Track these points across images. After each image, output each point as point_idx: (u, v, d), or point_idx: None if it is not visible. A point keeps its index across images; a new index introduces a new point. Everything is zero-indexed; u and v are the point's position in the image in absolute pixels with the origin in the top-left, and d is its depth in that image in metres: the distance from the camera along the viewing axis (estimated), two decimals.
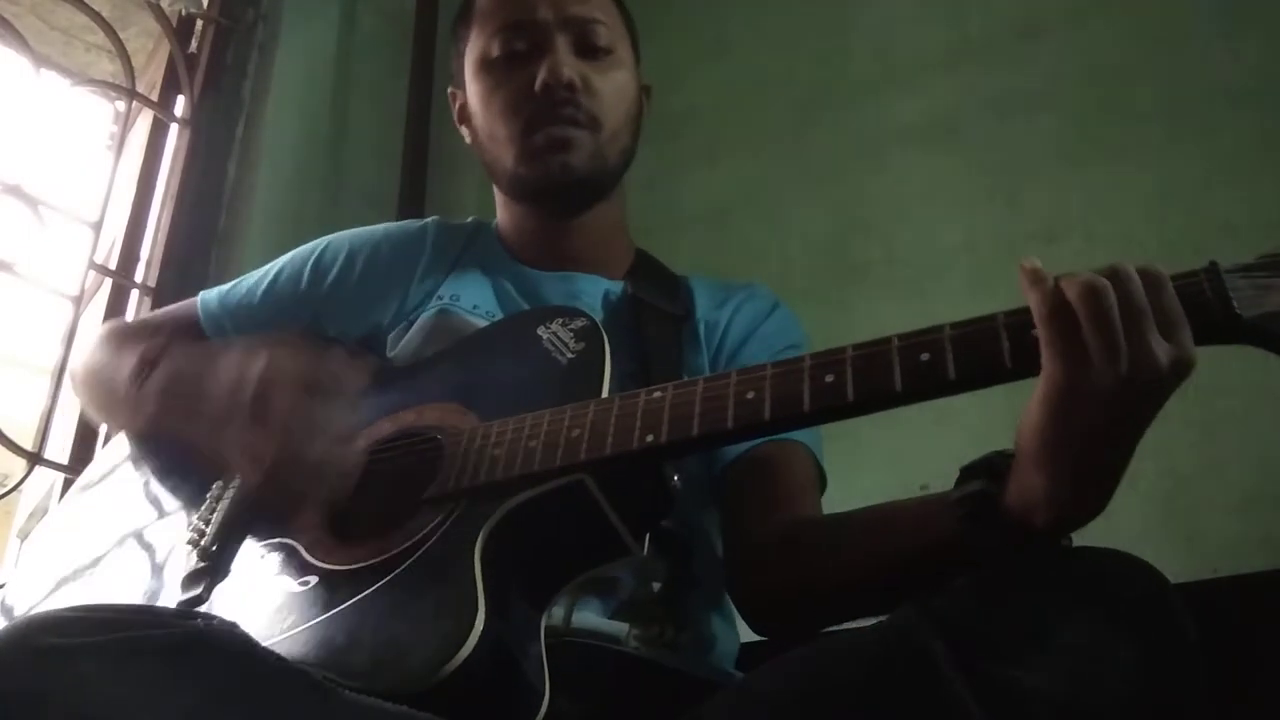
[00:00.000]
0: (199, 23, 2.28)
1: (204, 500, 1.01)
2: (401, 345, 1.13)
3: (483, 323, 1.12)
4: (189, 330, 1.20)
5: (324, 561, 0.88)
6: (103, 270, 2.02)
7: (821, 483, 1.11)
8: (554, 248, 1.21)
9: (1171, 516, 1.38)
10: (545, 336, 0.97)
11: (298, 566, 0.89)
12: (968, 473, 0.82)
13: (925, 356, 0.75)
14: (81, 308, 2.00)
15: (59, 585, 1.06)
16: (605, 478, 0.83)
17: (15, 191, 1.96)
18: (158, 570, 0.99)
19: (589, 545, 0.86)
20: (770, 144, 2.00)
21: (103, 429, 1.71)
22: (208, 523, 0.98)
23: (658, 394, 0.84)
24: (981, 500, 0.79)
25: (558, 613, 0.91)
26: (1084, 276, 0.70)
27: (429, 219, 1.28)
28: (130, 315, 1.95)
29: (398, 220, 1.30)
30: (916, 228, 1.76)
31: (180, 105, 2.20)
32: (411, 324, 1.15)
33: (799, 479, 1.07)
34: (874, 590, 0.90)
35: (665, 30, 2.24)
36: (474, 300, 1.16)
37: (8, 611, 1.06)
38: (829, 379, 0.77)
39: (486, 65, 1.18)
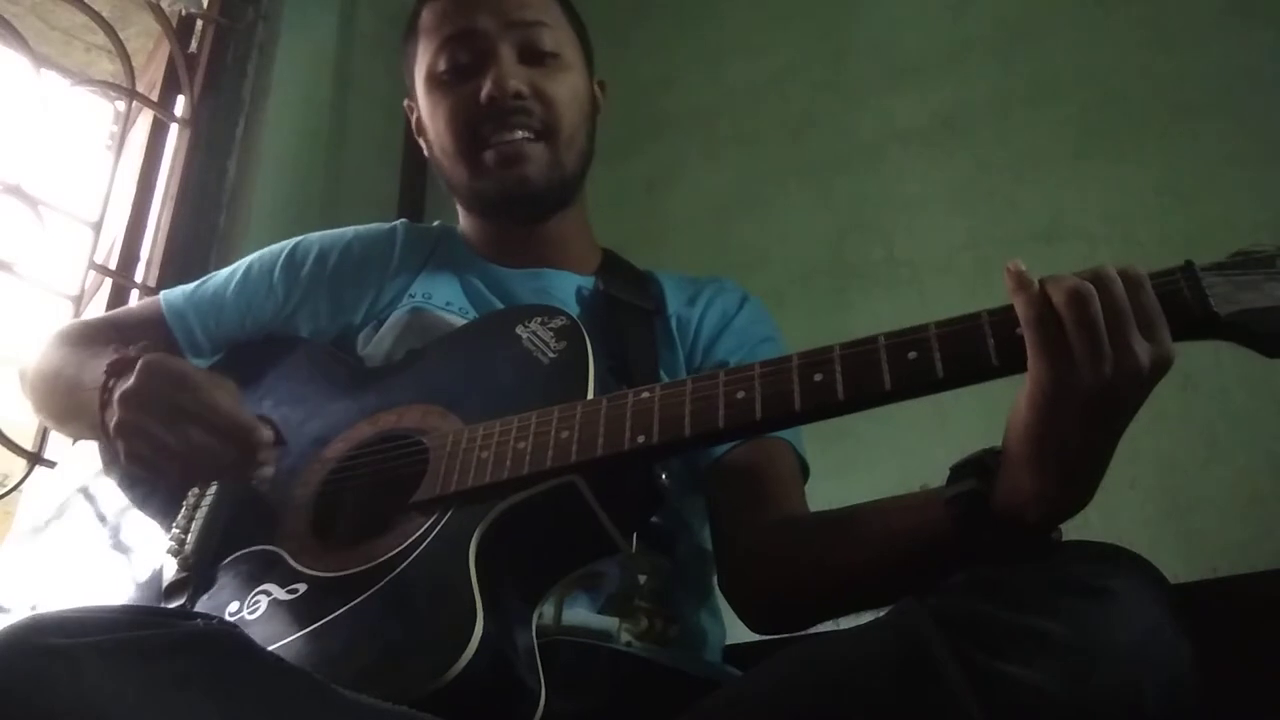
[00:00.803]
0: (199, 23, 2.28)
1: (180, 508, 1.00)
2: (373, 344, 1.12)
3: (456, 320, 1.12)
4: (152, 329, 1.18)
5: (311, 568, 0.87)
6: (103, 270, 2.02)
7: (805, 474, 1.11)
8: (520, 248, 1.20)
9: (1171, 516, 1.37)
10: (525, 336, 0.96)
11: (284, 574, 0.88)
12: (958, 471, 0.83)
13: (912, 355, 0.76)
14: (81, 308, 2.00)
15: (38, 591, 1.05)
16: (596, 478, 0.83)
17: (15, 191, 1.96)
18: (137, 579, 0.98)
19: (580, 545, 0.86)
20: (770, 144, 2.00)
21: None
22: (186, 530, 0.96)
23: (646, 394, 0.83)
24: (972, 499, 0.80)
25: (547, 610, 0.91)
26: (1068, 281, 0.71)
27: (397, 221, 1.27)
28: None
29: (396, 220, 1.29)
30: (916, 227, 1.76)
31: (180, 105, 2.20)
32: (382, 323, 1.14)
33: (785, 476, 1.07)
34: (868, 586, 0.90)
35: (665, 30, 2.24)
36: (446, 298, 1.15)
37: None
38: (818, 378, 0.78)
39: (433, 79, 1.18)
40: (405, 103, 1.28)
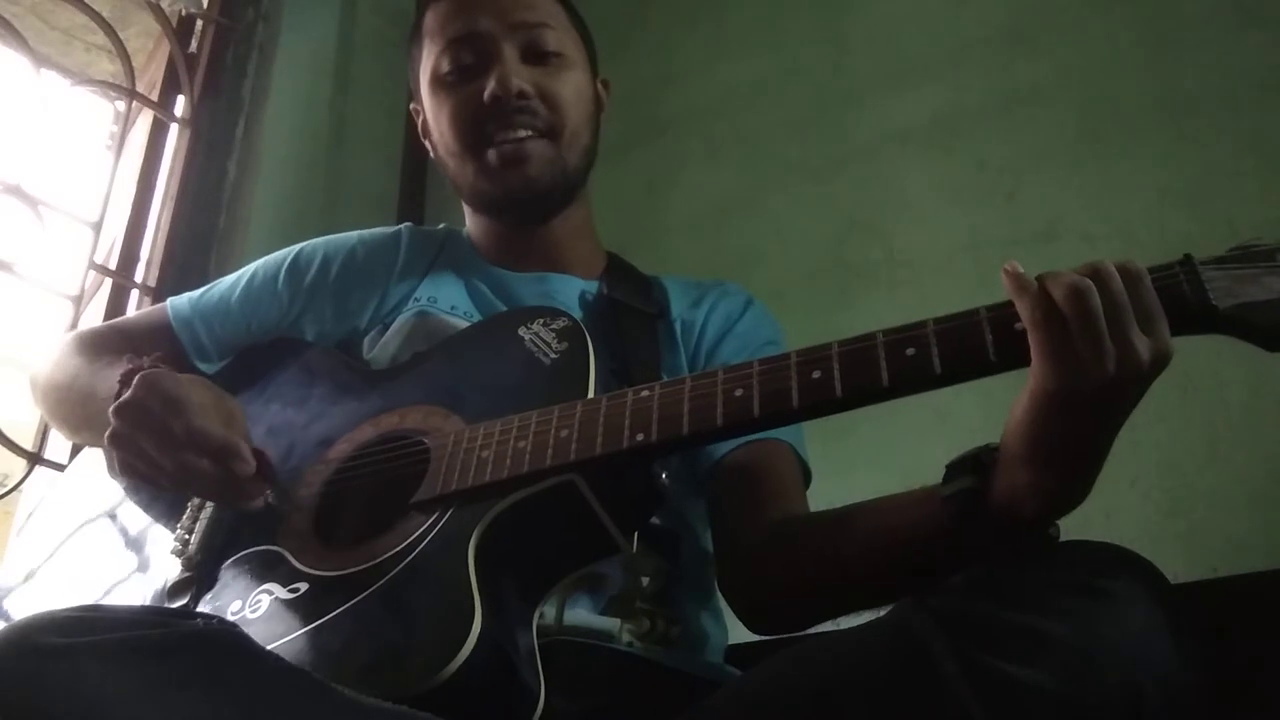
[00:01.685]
0: (199, 23, 2.28)
1: (184, 509, 1.01)
2: (379, 348, 1.13)
3: (461, 323, 1.12)
4: (161, 337, 1.18)
5: (313, 568, 0.87)
6: (103, 270, 2.02)
7: (806, 477, 1.11)
8: (526, 251, 1.21)
9: (1171, 516, 1.37)
10: (527, 337, 0.96)
11: (286, 573, 0.88)
12: (954, 468, 0.83)
13: (910, 351, 0.75)
14: (81, 308, 2.00)
15: (41, 591, 1.05)
16: (595, 477, 0.83)
17: (15, 191, 1.96)
18: (142, 579, 0.99)
19: (580, 544, 0.86)
20: (770, 144, 2.00)
21: None
22: (190, 531, 0.97)
23: (645, 393, 0.84)
24: (969, 497, 0.80)
25: (549, 611, 0.91)
26: (1067, 278, 0.71)
27: (402, 225, 1.28)
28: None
29: (396, 221, 1.30)
30: (916, 228, 1.76)
31: (180, 105, 2.21)
32: (388, 327, 1.15)
33: (785, 477, 1.07)
34: (868, 585, 0.90)
35: (665, 30, 2.24)
36: (451, 301, 1.16)
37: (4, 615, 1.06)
38: (816, 375, 0.78)
39: (438, 81, 1.18)
40: (411, 106, 1.28)
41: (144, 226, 2.11)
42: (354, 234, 1.25)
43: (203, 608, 0.90)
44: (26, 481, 1.86)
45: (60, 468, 1.84)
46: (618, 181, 2.02)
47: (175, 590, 0.94)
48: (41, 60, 2.21)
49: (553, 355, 0.94)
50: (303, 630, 0.80)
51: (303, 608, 0.83)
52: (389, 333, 1.14)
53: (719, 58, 2.15)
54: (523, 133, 1.13)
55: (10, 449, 1.85)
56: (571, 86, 1.18)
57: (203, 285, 1.26)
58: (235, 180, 2.15)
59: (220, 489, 0.93)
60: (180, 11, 2.24)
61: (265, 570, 0.90)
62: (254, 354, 1.18)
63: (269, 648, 0.75)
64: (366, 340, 1.15)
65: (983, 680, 0.65)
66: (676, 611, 1.00)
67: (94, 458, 1.17)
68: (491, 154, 1.14)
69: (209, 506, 1.00)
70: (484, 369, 0.98)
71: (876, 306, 1.73)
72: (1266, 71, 1.50)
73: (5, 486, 1.98)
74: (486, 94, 1.12)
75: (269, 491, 0.95)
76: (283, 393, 1.10)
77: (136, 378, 0.94)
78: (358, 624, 0.79)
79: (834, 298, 1.79)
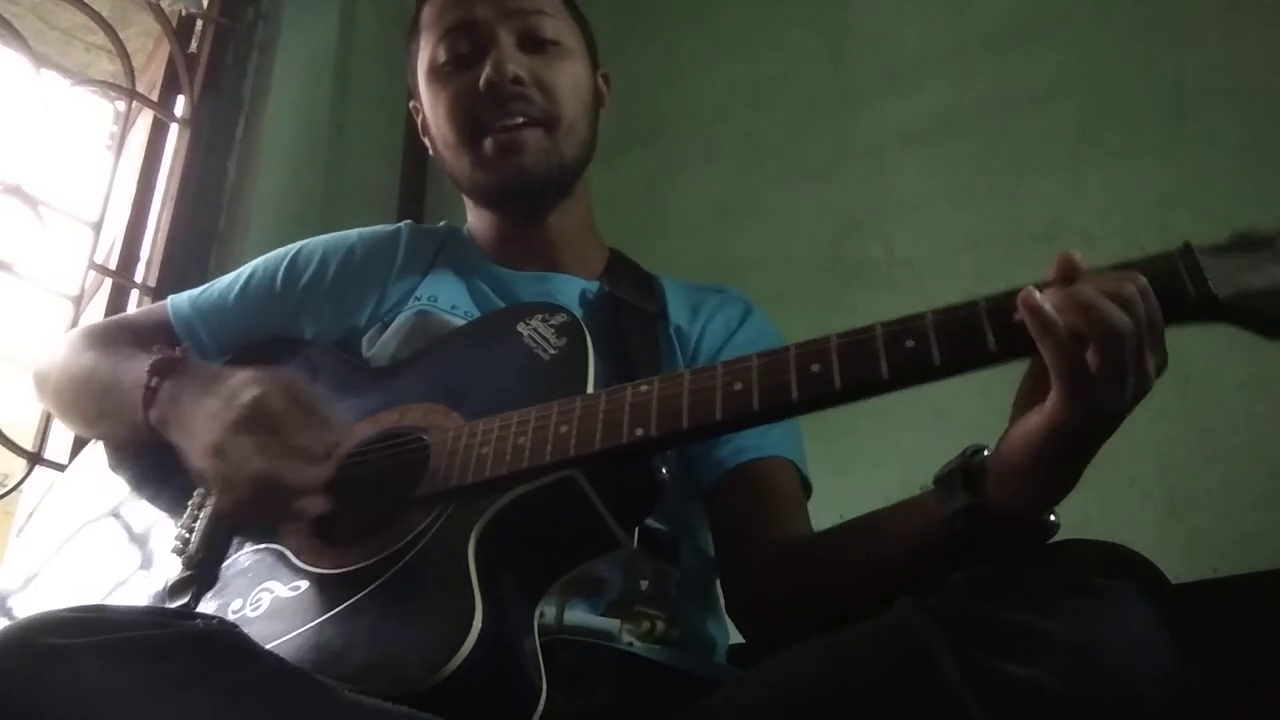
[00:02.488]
0: (199, 23, 2.28)
1: (185, 507, 1.00)
2: (378, 346, 1.12)
3: (461, 323, 1.11)
4: (161, 334, 1.18)
5: (313, 566, 0.87)
6: (103, 270, 2.02)
7: (806, 491, 1.11)
8: (526, 248, 1.20)
9: (1171, 516, 1.37)
10: (526, 333, 0.96)
11: (287, 571, 0.88)
12: (943, 483, 0.83)
13: (910, 343, 0.75)
14: (81, 308, 2.00)
15: (41, 591, 1.05)
16: (595, 472, 0.83)
17: (15, 191, 1.96)
18: (142, 579, 0.99)
19: (580, 539, 0.85)
20: (770, 144, 2.00)
21: None
22: (191, 530, 0.97)
23: (644, 388, 0.83)
24: (969, 516, 0.80)
25: (549, 611, 0.91)
26: (1103, 323, 0.68)
27: (401, 223, 1.27)
28: None
29: (397, 221, 1.29)
30: (917, 228, 1.76)
31: (180, 105, 2.21)
32: (387, 325, 1.14)
33: (787, 497, 1.07)
34: (869, 600, 0.90)
35: (665, 30, 2.24)
36: (452, 300, 1.15)
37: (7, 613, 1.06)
38: (815, 368, 0.77)
39: (434, 71, 1.18)
40: (411, 104, 1.28)
41: (144, 226, 2.11)
42: (353, 232, 1.25)
43: (204, 606, 0.90)
44: (26, 481, 1.86)
45: (60, 468, 1.84)
46: (618, 181, 2.01)
47: (176, 589, 0.93)
48: (41, 60, 2.20)
49: (551, 351, 0.94)
50: (303, 628, 0.80)
51: (303, 606, 0.83)
52: (388, 331, 1.13)
53: (719, 58, 2.15)
54: (519, 119, 1.12)
55: (10, 449, 1.85)
56: (569, 76, 1.17)
57: (202, 285, 1.26)
58: (235, 180, 2.15)
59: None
60: (180, 11, 2.24)
61: (266, 568, 0.90)
62: (253, 353, 1.18)
63: (269, 646, 0.75)
64: (365, 339, 1.15)
65: (982, 680, 0.65)
66: (677, 613, 1.00)
67: (95, 456, 1.17)
68: (488, 143, 1.13)
69: (209, 504, 0.99)
70: (483, 366, 0.98)
71: (876, 306, 1.71)
72: (1266, 71, 1.50)
73: (5, 486, 1.98)
74: (482, 80, 1.12)
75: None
76: None
77: (254, 386, 0.89)
78: (358, 622, 0.79)
79: (834, 298, 1.79)
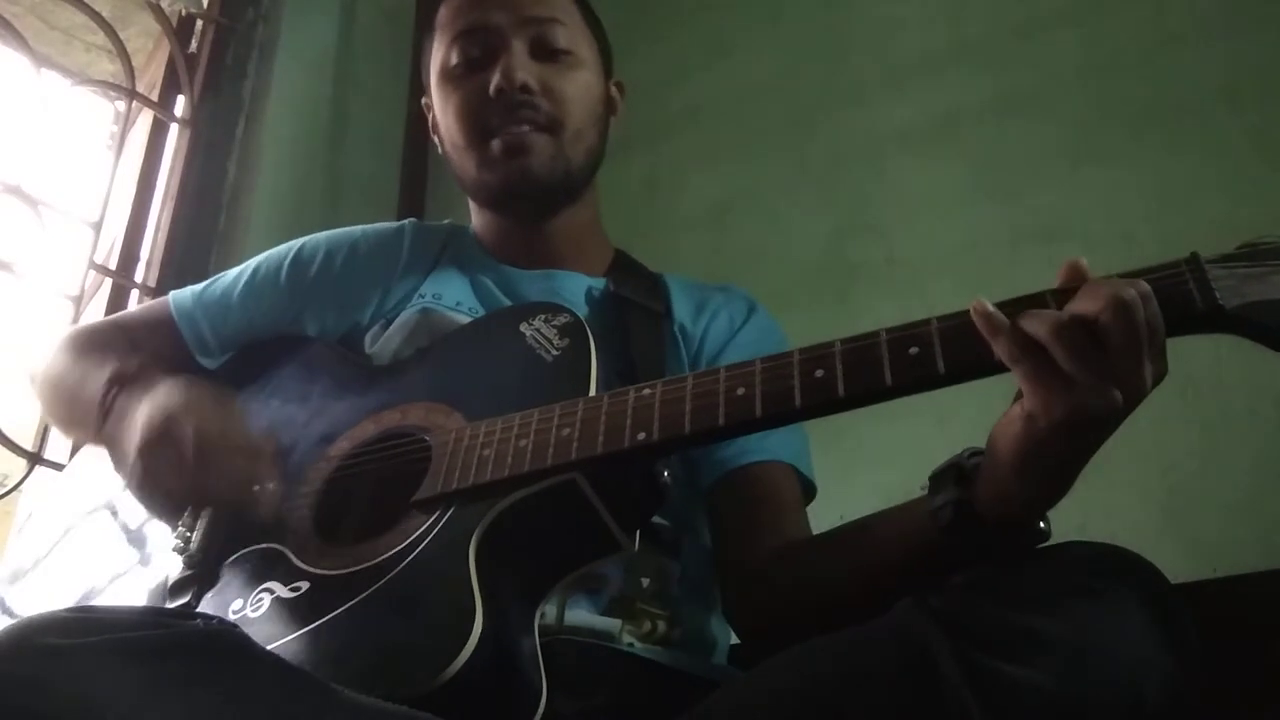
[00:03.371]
0: (199, 23, 2.28)
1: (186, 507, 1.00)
2: (381, 343, 1.12)
3: (466, 320, 1.11)
4: (162, 331, 1.18)
5: (314, 566, 0.87)
6: (103, 270, 2.02)
7: (811, 493, 1.11)
8: (530, 248, 1.20)
9: (1171, 516, 1.37)
10: (529, 334, 0.96)
11: (287, 572, 0.88)
12: (937, 480, 0.83)
13: (914, 350, 0.75)
14: (81, 308, 2.00)
15: (41, 591, 1.05)
16: (597, 476, 0.83)
17: (15, 191, 1.96)
18: (143, 578, 0.99)
19: (581, 543, 0.86)
20: (770, 144, 2.00)
21: None
22: (192, 529, 0.97)
23: (647, 391, 0.83)
24: (956, 509, 0.80)
25: (550, 611, 0.91)
26: (1110, 306, 0.67)
27: (405, 221, 1.28)
28: None
29: (397, 220, 1.30)
30: (916, 228, 1.76)
31: (180, 105, 2.20)
32: (390, 322, 1.14)
33: (785, 500, 1.08)
34: (865, 602, 0.90)
35: (665, 30, 2.24)
36: (456, 298, 1.15)
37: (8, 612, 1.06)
38: (819, 374, 0.77)
39: (446, 73, 1.19)
40: (423, 101, 1.28)
41: (144, 226, 2.10)
42: (357, 229, 1.25)
43: (204, 606, 0.90)
44: (26, 481, 1.85)
45: (61, 468, 1.83)
46: (618, 181, 2.01)
47: (177, 588, 0.94)
48: (41, 60, 2.20)
49: (554, 352, 0.94)
50: (304, 629, 0.80)
51: (304, 607, 0.83)
52: (392, 328, 1.13)
53: (719, 58, 2.15)
54: (525, 126, 1.13)
55: (10, 449, 1.85)
56: (578, 85, 1.17)
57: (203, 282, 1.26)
58: (235, 180, 2.15)
59: (236, 496, 0.95)
60: (180, 11, 2.24)
61: (266, 568, 0.90)
62: (256, 350, 1.18)
63: (270, 647, 0.75)
64: (369, 336, 1.15)
65: (982, 680, 0.65)
66: (678, 612, 1.00)
67: (93, 455, 1.17)
68: (495, 144, 1.14)
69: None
70: (485, 366, 0.98)
71: (876, 306, 1.72)
72: (1266, 71, 1.50)
73: (5, 486, 1.98)
74: (492, 86, 1.13)
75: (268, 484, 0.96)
76: (284, 389, 1.09)
77: (143, 417, 0.96)
78: (358, 623, 0.79)
79: (834, 298, 1.79)
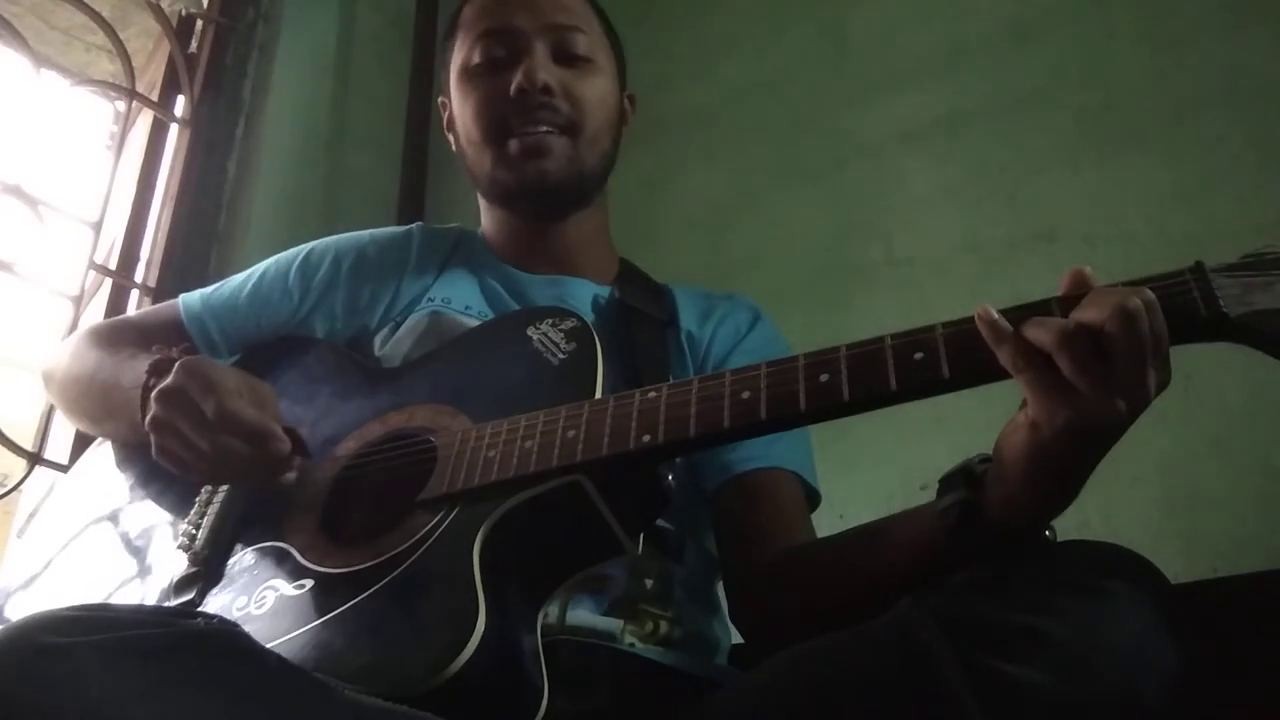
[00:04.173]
0: (199, 23, 2.28)
1: (192, 504, 1.01)
2: (390, 346, 1.13)
3: (474, 324, 1.12)
4: (171, 332, 1.19)
5: (319, 565, 0.88)
6: (103, 270, 2.02)
7: (815, 500, 1.12)
8: (540, 251, 1.21)
9: (1171, 516, 1.37)
10: (536, 337, 0.97)
11: (292, 570, 0.88)
12: (947, 483, 0.83)
13: (919, 355, 0.75)
14: (81, 308, 2.00)
15: (45, 590, 1.05)
16: (601, 478, 0.83)
17: (15, 191, 1.96)
18: (148, 575, 0.99)
19: (585, 544, 0.86)
20: (770, 144, 2.00)
21: None
22: (198, 526, 0.98)
23: (652, 394, 0.84)
24: (964, 510, 0.80)
25: (552, 611, 0.91)
26: (1115, 318, 0.68)
27: (413, 224, 1.28)
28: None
29: (397, 221, 1.30)
30: (916, 228, 1.76)
31: (180, 105, 2.20)
32: (399, 325, 1.15)
33: (789, 507, 1.08)
34: (869, 605, 0.90)
35: (665, 30, 2.24)
36: (465, 302, 1.16)
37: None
38: (824, 378, 0.77)
39: (467, 72, 1.20)
40: (439, 99, 1.30)
41: (144, 226, 2.10)
42: (365, 233, 1.26)
43: (208, 602, 0.91)
44: (26, 481, 1.85)
45: (60, 468, 1.83)
46: (618, 181, 2.00)
47: (181, 585, 0.94)
48: (41, 60, 2.20)
49: (561, 355, 0.94)
50: (307, 627, 0.80)
51: (307, 604, 0.83)
52: (401, 331, 1.14)
53: (719, 58, 2.15)
54: (543, 128, 1.14)
55: (10, 449, 1.85)
56: (596, 91, 1.19)
57: (202, 285, 1.26)
58: (235, 180, 2.15)
59: (254, 470, 0.94)
60: (180, 11, 2.24)
61: (271, 566, 0.90)
62: (263, 351, 1.18)
63: (273, 644, 0.76)
64: (378, 339, 1.15)
65: (982, 680, 0.65)
66: (679, 613, 1.00)
67: (97, 458, 1.17)
68: (513, 144, 1.15)
69: (216, 501, 1.00)
70: (492, 368, 0.99)
71: (876, 306, 1.73)
72: (1266, 71, 1.50)
73: (5, 486, 1.98)
74: (513, 87, 1.14)
75: (298, 466, 0.96)
76: (291, 390, 1.10)
77: (177, 364, 0.95)
78: (361, 622, 0.79)
79: (834, 298, 1.78)
